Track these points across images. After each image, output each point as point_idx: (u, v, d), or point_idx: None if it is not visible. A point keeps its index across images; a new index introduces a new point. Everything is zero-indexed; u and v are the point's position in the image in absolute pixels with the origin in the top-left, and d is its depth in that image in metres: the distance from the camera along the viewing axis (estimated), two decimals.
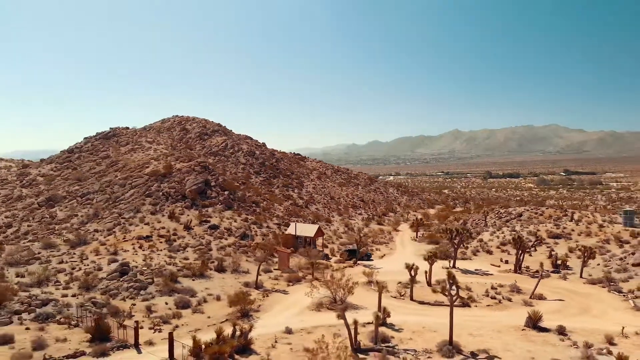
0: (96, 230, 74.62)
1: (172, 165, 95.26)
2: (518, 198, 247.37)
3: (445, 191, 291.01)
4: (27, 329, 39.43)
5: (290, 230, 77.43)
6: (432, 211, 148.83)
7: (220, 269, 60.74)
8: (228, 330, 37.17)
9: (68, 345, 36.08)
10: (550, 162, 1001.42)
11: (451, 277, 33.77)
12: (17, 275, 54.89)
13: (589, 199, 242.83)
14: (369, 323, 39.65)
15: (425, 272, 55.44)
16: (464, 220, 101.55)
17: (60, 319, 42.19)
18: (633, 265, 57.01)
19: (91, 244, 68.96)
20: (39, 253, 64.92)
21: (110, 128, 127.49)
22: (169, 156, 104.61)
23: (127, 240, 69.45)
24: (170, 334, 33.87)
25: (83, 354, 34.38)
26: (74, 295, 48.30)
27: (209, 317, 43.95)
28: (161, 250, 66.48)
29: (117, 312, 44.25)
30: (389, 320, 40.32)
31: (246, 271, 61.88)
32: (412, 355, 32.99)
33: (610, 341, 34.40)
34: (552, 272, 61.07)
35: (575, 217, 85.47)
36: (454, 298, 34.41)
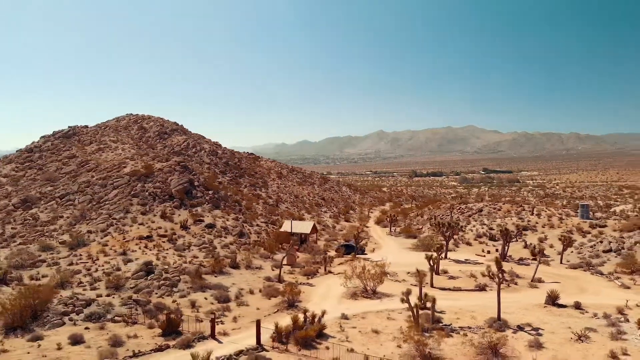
0: (90, 232, 73.17)
1: (152, 165, 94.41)
2: (452, 195, 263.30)
3: (385, 189, 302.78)
4: (87, 328, 40.05)
5: (286, 227, 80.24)
6: (386, 208, 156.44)
7: (234, 266, 62.59)
8: (286, 318, 40.26)
9: (144, 341, 37.44)
10: (469, 162, 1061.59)
11: (498, 264, 38.96)
12: (32, 279, 53.84)
13: (517, 195, 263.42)
14: (413, 307, 44.20)
15: (433, 262, 60.70)
16: (434, 216, 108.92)
17: (114, 317, 42.90)
18: (603, 251, 65.93)
19: (90, 245, 67.92)
20: (39, 256, 63.18)
21: (69, 127, 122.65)
22: (144, 156, 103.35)
23: (128, 241, 69.11)
24: (258, 321, 36.45)
25: (168, 347, 35.97)
26: (108, 295, 48.60)
27: (258, 309, 46.32)
28: (167, 249, 67.06)
29: (164, 307, 45.48)
30: (428, 304, 45.01)
31: (259, 267, 64.16)
32: (470, 331, 37.76)
33: (621, 312, 41.24)
34: (533, 260, 68.75)
35: (534, 211, 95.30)
36: (501, 281, 39.63)
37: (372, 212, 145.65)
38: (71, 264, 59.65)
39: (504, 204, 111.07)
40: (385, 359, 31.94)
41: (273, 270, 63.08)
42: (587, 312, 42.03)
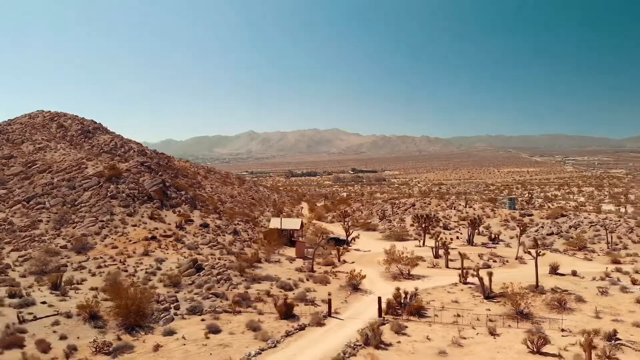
0: (84, 235, 70.21)
1: (118, 166, 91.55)
2: (346, 193, 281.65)
3: (281, 188, 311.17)
4: (203, 320, 42.67)
5: (274, 224, 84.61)
6: (303, 206, 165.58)
7: (258, 260, 66.33)
8: (365, 297, 47.16)
9: (273, 324, 41.50)
10: (336, 162, 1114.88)
11: (536, 242, 50.02)
12: (76, 283, 52.78)
13: (397, 192, 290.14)
14: (455, 284, 53.78)
15: (432, 248, 71.00)
16: (381, 210, 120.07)
17: (215, 309, 45.59)
18: (547, 235, 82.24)
19: (96, 248, 66.12)
20: (49, 261, 60.29)
21: None
22: (98, 156, 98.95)
23: (135, 242, 68.40)
24: (379, 298, 42.84)
25: (305, 326, 40.63)
26: (177, 292, 50.32)
27: (329, 293, 51.82)
28: (180, 248, 68.02)
29: (246, 297, 48.97)
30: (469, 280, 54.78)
31: (277, 261, 68.61)
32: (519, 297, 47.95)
33: (608, 276, 54.97)
34: (493, 244, 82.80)
35: (468, 204, 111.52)
36: (536, 257, 50.71)
37: (302, 210, 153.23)
38: (100, 266, 58.52)
39: (431, 199, 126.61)
40: (505, 314, 40.72)
41: (291, 262, 68.12)
42: (583, 277, 55.14)
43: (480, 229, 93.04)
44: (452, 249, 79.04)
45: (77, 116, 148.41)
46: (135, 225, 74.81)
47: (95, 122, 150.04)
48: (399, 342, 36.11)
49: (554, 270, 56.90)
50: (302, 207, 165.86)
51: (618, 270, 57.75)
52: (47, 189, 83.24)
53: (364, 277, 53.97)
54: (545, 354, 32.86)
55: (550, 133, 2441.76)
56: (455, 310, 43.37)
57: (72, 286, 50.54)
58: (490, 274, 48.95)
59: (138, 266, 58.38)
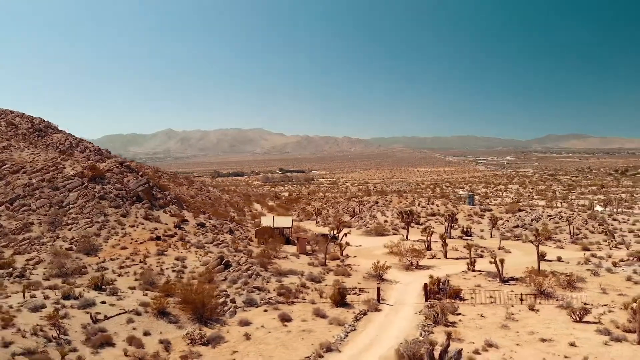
0: (84, 237, 68.61)
1: (99, 166, 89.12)
2: (287, 193, 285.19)
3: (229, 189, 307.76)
4: (265, 310, 45.35)
5: (266, 222, 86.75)
6: (271, 204, 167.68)
7: (269, 257, 68.73)
8: (393, 285, 51.98)
9: (333, 311, 44.86)
10: (261, 162, 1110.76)
11: (538, 232, 57.39)
12: (104, 285, 52.70)
13: (337, 191, 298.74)
14: (465, 272, 59.96)
15: (424, 241, 77.10)
16: (360, 208, 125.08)
17: (268, 301, 48.12)
18: (513, 227, 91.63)
19: (103, 250, 65.24)
20: (65, 264, 58.90)
21: None
22: (72, 156, 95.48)
23: (142, 242, 68.08)
24: (425, 284, 47.51)
25: (365, 313, 44.44)
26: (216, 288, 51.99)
27: (359, 283, 55.80)
28: (189, 247, 68.68)
29: (288, 290, 51.76)
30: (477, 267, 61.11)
31: (285, 257, 71.30)
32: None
33: (588, 260, 63.73)
34: (467, 236, 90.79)
35: (424, 202, 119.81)
36: (538, 244, 58.04)
37: (263, 209, 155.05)
38: (122, 267, 58.23)
39: (392, 197, 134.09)
40: (529, 293, 47.03)
41: (297, 258, 71.23)
42: (569, 262, 63.57)
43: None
44: (434, 241, 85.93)
45: (23, 114, 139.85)
46: (133, 226, 74.06)
47: (44, 120, 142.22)
48: (460, 320, 41.11)
49: (542, 256, 64.82)
50: (256, 208, 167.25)
51: (593, 255, 66.97)
52: (29, 190, 79.61)
53: (389, 267, 58.51)
54: (587, 322, 39.31)
55: (461, 134, 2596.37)
56: (486, 293, 49.19)
57: (110, 286, 50.44)
58: (502, 261, 55.39)
59: (161, 265, 58.79)
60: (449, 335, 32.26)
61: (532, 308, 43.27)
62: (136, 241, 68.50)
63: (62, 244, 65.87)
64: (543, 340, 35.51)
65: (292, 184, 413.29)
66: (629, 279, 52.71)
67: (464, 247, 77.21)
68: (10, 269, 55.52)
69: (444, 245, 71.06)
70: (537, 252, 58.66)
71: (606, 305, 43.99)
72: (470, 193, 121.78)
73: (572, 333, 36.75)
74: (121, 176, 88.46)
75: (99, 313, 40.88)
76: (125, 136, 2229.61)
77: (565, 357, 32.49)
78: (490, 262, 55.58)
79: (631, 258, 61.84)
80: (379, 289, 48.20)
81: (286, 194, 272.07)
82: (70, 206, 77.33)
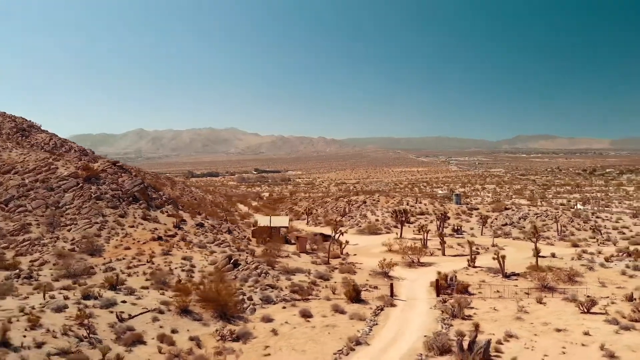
0: (84, 237, 68.22)
1: (92, 166, 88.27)
2: (266, 193, 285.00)
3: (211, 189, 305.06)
4: (284, 307, 46.34)
5: (264, 222, 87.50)
6: (255, 204, 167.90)
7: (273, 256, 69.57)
8: (401, 282, 53.66)
9: (350, 307, 46.15)
10: (236, 162, 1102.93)
11: (536, 229, 59.93)
12: (118, 284, 52.79)
13: (319, 191, 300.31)
14: (466, 268, 62.09)
15: (421, 240, 79.10)
16: (345, 207, 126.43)
17: (284, 297, 49.09)
18: (502, 225, 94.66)
19: (107, 250, 65.05)
20: (74, 264, 58.58)
21: None
22: (59, 155, 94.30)
23: (144, 243, 68.06)
24: (437, 280, 49.23)
25: (382, 308, 45.87)
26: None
27: (367, 280, 57.20)
28: (192, 247, 68.99)
29: (301, 287, 52.84)
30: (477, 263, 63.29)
31: (287, 256, 72.19)
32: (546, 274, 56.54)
33: (580, 256, 66.60)
34: (458, 234, 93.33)
35: (417, 200, 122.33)
36: (537, 240, 60.55)
37: (249, 210, 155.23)
38: (129, 267, 58.24)
39: (379, 197, 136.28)
40: (533, 287, 49.28)
41: (299, 257, 72.25)
42: (562, 258, 66.35)
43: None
44: (428, 240, 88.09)
45: (5, 113, 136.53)
46: (132, 226, 73.91)
47: (27, 120, 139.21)
48: (475, 313, 42.94)
49: (537, 252, 67.47)
50: (240, 208, 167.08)
51: (584, 252, 70.03)
52: (23, 191, 78.45)
53: (395, 264, 60.16)
54: (594, 313, 41.65)
55: (433, 135, 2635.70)
56: (491, 288, 51.30)
57: (124, 286, 50.51)
58: (503, 257, 57.68)
59: (169, 265, 59.04)
60: (476, 326, 34.02)
61: (540, 301, 45.44)
62: (138, 241, 68.43)
63: (63, 245, 65.41)
64: (558, 330, 37.58)
65: (268, 185, 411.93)
66: (623, 273, 55.63)
67: (458, 244, 79.81)
68: (17, 271, 55.15)
69: (442, 243, 73.18)
70: (536, 249, 61.24)
71: (607, 297, 46.48)
72: (457, 193, 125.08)
73: (582, 323, 38.93)
74: (116, 176, 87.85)
75: (123, 312, 41.13)
76: (95, 136, 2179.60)
77: (583, 344, 34.57)
78: (494, 259, 57.74)
79: (621, 254, 65.05)
80: (391, 285, 49.75)
81: (267, 194, 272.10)
82: (67, 207, 76.60)
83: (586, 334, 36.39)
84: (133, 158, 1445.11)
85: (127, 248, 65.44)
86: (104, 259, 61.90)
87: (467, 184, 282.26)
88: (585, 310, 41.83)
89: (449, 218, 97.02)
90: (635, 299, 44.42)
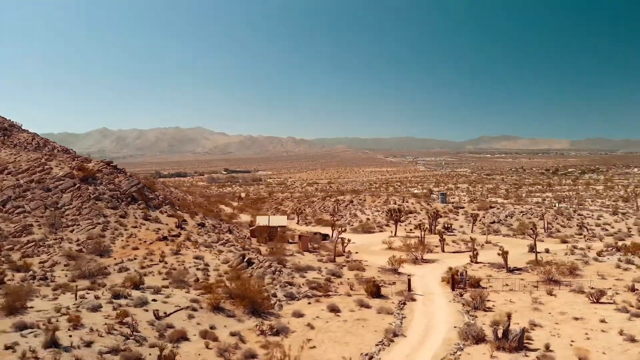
0: (90, 238, 67.69)
1: (88, 167, 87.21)
2: (242, 194, 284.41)
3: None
4: (309, 303, 47.95)
5: (262, 221, 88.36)
6: (236, 205, 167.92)
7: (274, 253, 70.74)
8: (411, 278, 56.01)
9: (373, 300, 47.92)
10: (204, 162, 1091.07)
11: (533, 227, 63.19)
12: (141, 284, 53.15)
13: (297, 191, 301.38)
14: (469, 264, 64.88)
15: (418, 237, 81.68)
16: (334, 206, 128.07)
17: (306, 293, 50.51)
18: (491, 223, 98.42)
19: (115, 251, 64.80)
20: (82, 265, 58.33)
21: None
22: (50, 155, 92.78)
23: (150, 243, 68.09)
24: (453, 275, 51.50)
25: (405, 302, 47.86)
26: None
27: (378, 276, 59.11)
28: (199, 247, 69.37)
29: (318, 284, 54.34)
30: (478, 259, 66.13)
31: (292, 254, 73.48)
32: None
33: (572, 251, 70.36)
34: (449, 232, 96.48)
35: (399, 200, 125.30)
36: (535, 237, 63.84)
37: (236, 211, 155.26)
38: (143, 267, 58.42)
39: (365, 196, 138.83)
40: (539, 281, 52.27)
41: (303, 255, 73.65)
42: (556, 253, 69.97)
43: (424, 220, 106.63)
44: (413, 237, 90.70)
45: None
46: (135, 227, 73.66)
47: (6, 119, 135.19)
48: (493, 305, 45.46)
49: (531, 248, 71.07)
50: (221, 208, 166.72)
51: (574, 247, 74.04)
52: (19, 192, 76.91)
53: (404, 261, 62.35)
54: (603, 303, 44.79)
55: (400, 135, 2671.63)
56: (499, 282, 54.09)
57: (145, 285, 50.84)
58: (506, 253, 60.69)
59: (182, 264, 59.49)
60: (509, 316, 36.34)
61: (550, 293, 48.38)
62: (145, 242, 68.40)
63: (70, 246, 64.76)
64: (576, 318, 40.44)
65: (239, 185, 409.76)
66: (617, 266, 59.45)
67: (452, 241, 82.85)
68: (31, 272, 54.62)
69: (442, 240, 75.94)
70: (535, 245, 64.71)
71: (610, 289, 49.81)
72: (443, 192, 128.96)
73: (596, 312, 41.94)
74: (112, 177, 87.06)
75: (157, 310, 41.80)
76: (57, 135, 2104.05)
77: (602, 330, 37.43)
78: (498, 254, 60.65)
79: (610, 249, 69.19)
80: (409, 281, 51.90)
81: (243, 194, 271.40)
82: (66, 207, 75.64)
83: (602, 321, 39.31)
84: (97, 157, 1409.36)
85: (135, 248, 65.38)
86: (114, 259, 61.75)
87: (440, 184, 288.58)
88: (595, 301, 44.91)
89: (440, 216, 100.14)
90: (637, 290, 47.88)
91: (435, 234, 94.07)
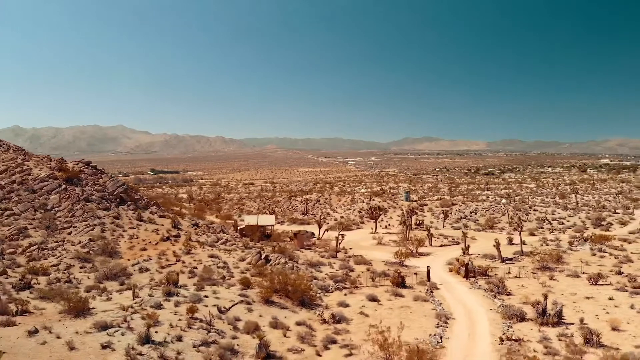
0: (91, 240, 66.26)
1: (70, 167, 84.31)
2: (184, 195, 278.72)
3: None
4: (345, 294, 51.20)
5: (251, 220, 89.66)
6: (187, 206, 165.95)
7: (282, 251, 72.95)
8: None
9: (401, 290, 51.97)
10: (126, 162, 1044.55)
11: (519, 221, 70.32)
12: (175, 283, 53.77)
13: (244, 191, 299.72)
14: (462, 255, 70.84)
15: (403, 232, 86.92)
16: (307, 207, 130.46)
17: (335, 288, 53.65)
18: (457, 220, 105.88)
19: (123, 252, 64.13)
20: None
21: None
22: (25, 154, 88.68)
23: (156, 243, 67.90)
24: (466, 265, 56.67)
25: (431, 291, 52.27)
26: None
27: (387, 269, 63.20)
28: (203, 245, 70.02)
29: (343, 278, 57.60)
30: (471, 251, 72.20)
31: (292, 251, 75.81)
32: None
33: (546, 242, 78.49)
34: (421, 228, 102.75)
35: (365, 199, 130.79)
36: (520, 228, 70.88)
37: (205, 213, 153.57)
38: (162, 267, 58.59)
39: (330, 195, 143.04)
40: (534, 268, 58.82)
41: (302, 252, 76.39)
42: (532, 244, 77.65)
43: (394, 216, 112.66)
44: (391, 233, 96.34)
45: None
46: (133, 228, 72.95)
47: None
48: (510, 290, 51.04)
49: (510, 241, 78.51)
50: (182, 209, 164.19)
51: (545, 239, 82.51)
52: (3, 194, 73.20)
53: (410, 253, 66.99)
54: (601, 284, 51.81)
55: (329, 136, 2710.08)
56: (500, 270, 60.14)
57: (181, 284, 51.48)
58: (499, 244, 67.13)
59: (200, 263, 60.27)
60: (545, 296, 41.74)
61: (552, 278, 54.89)
62: (150, 242, 68.07)
63: (75, 249, 63.08)
64: (587, 297, 46.81)
65: (170, 186, 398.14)
66: (593, 254, 67.81)
67: (431, 235, 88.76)
68: (50, 275, 53.35)
69: (429, 235, 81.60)
70: (520, 237, 71.92)
71: (598, 273, 57.21)
72: (407, 190, 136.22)
73: (600, 292, 48.67)
74: (96, 177, 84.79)
75: (215, 305, 43.18)
76: None
77: (615, 306, 43.90)
78: (494, 246, 66.95)
79: (577, 239, 78.11)
80: (428, 271, 56.44)
81: (185, 195, 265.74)
82: (57, 209, 73.16)
83: (611, 299, 45.90)
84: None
85: (144, 249, 65.01)
86: (128, 260, 61.20)
87: (382, 183, 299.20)
88: (594, 283, 51.84)
89: (416, 213, 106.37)
90: (623, 272, 55.59)
91: (412, 230, 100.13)
